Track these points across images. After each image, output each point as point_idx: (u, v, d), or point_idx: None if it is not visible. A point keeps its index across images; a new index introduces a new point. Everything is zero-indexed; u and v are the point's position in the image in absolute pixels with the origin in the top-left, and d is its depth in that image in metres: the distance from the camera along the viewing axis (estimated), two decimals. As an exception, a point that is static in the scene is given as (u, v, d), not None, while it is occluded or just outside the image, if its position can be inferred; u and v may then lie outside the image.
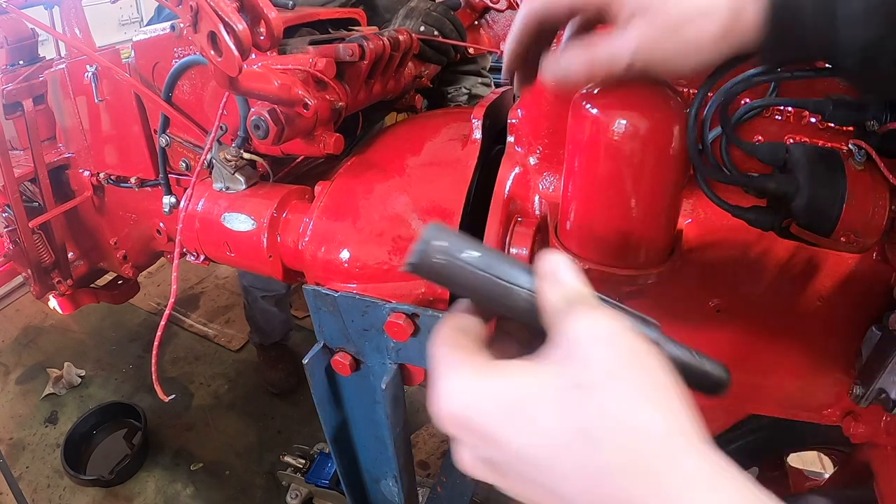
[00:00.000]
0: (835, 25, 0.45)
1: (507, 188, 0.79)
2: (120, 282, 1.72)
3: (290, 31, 1.07)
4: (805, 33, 0.47)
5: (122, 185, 1.34)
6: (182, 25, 1.05)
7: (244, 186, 1.04)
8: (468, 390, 0.31)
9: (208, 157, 1.04)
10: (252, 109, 0.91)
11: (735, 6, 0.47)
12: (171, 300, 0.98)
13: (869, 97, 0.59)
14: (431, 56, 1.25)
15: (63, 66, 1.31)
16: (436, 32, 1.20)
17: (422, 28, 1.20)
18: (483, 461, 0.32)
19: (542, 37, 0.56)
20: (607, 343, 0.30)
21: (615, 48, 0.50)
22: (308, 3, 1.19)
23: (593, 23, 0.54)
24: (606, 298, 0.41)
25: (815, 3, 0.46)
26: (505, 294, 0.37)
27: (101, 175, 1.36)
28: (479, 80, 1.58)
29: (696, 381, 0.46)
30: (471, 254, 0.37)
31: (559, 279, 0.35)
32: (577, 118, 0.63)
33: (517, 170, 0.81)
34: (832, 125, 0.64)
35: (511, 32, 0.57)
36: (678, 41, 0.48)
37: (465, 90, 1.54)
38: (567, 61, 0.53)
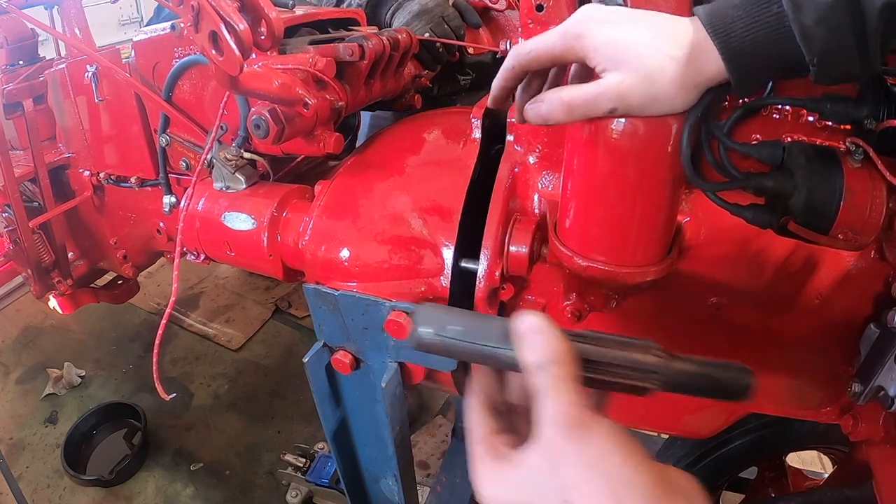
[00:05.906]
0: (792, 43, 0.49)
1: (507, 187, 0.79)
2: (120, 282, 1.72)
3: (291, 30, 1.07)
4: (760, 59, 0.51)
5: (122, 184, 1.34)
6: (182, 25, 1.05)
7: (244, 186, 1.05)
8: (493, 490, 0.44)
9: (209, 156, 1.04)
10: (252, 109, 0.91)
11: (702, 50, 0.52)
12: (172, 299, 0.98)
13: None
14: (427, 61, 1.25)
15: (63, 66, 1.31)
16: (437, 45, 1.21)
17: (426, 34, 1.20)
18: None
19: (524, 78, 0.64)
20: (570, 462, 0.40)
21: (594, 94, 0.55)
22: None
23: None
24: (586, 335, 0.46)
25: (765, 31, 0.50)
26: (492, 356, 0.45)
27: (101, 175, 1.36)
28: None
29: (713, 393, 0.47)
30: (454, 328, 0.46)
31: (531, 344, 0.43)
32: (576, 117, 0.63)
33: (517, 168, 0.82)
34: (830, 123, 0.64)
35: (500, 74, 0.63)
36: (655, 88, 0.53)
37: None
38: (546, 107, 0.59)
